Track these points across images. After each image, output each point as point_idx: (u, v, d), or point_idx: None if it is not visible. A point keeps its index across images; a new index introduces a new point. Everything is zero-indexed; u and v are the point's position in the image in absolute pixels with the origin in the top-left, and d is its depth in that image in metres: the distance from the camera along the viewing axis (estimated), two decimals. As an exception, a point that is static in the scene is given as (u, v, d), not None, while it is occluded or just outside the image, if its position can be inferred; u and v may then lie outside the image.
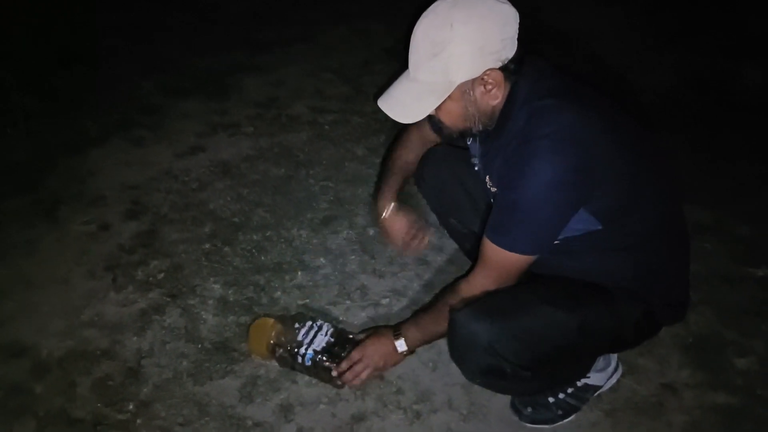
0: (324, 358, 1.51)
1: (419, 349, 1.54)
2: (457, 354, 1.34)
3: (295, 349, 1.52)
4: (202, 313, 1.75)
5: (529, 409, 1.49)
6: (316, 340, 1.55)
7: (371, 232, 2.07)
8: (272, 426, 1.47)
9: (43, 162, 2.32)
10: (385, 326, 1.58)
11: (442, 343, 1.54)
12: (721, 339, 1.70)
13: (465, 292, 1.34)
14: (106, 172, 2.30)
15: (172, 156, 2.39)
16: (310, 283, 1.87)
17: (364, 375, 1.48)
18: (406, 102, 1.24)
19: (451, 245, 1.93)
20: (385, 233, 1.66)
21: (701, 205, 2.12)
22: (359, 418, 1.50)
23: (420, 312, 1.53)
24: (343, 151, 2.46)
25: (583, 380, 1.49)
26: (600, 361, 1.49)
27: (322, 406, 1.52)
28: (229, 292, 1.82)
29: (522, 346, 1.25)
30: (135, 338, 1.67)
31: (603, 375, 1.51)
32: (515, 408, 1.51)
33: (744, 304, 1.80)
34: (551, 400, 1.48)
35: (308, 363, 1.52)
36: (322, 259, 1.96)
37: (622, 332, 1.36)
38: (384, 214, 1.62)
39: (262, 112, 2.68)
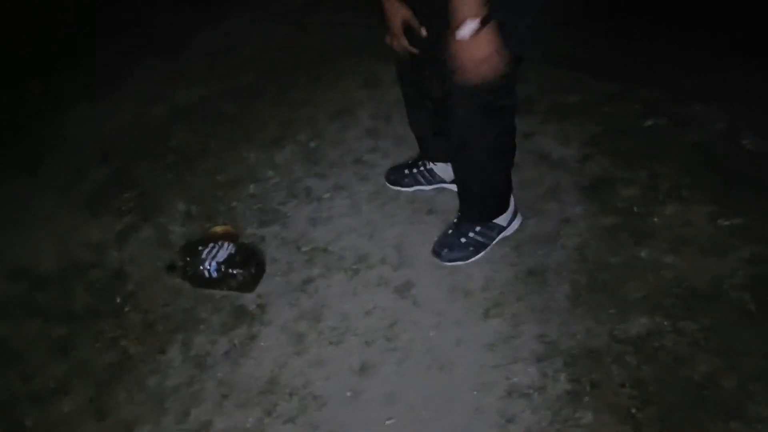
0: (227, 267, 1.76)
1: (358, 223, 1.86)
2: None
3: (200, 266, 1.77)
4: (171, 226, 2.05)
5: (446, 251, 1.79)
6: (219, 254, 1.79)
7: (312, 144, 2.34)
8: (237, 296, 1.78)
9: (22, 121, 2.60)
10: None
11: (380, 217, 1.85)
12: (612, 177, 1.98)
13: None
14: (78, 126, 2.57)
15: (136, 108, 2.65)
16: (261, 191, 2.15)
17: None
18: None
19: (386, 145, 2.21)
20: (387, 14, 1.58)
21: (611, 77, 2.37)
22: (308, 281, 1.81)
23: None
24: (287, 81, 2.71)
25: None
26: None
27: (276, 279, 1.83)
28: (192, 207, 2.11)
29: None
30: (116, 252, 1.97)
31: (504, 216, 1.79)
32: (435, 252, 1.80)
33: (634, 149, 2.07)
34: (463, 240, 1.78)
35: (215, 275, 1.77)
36: (270, 172, 2.24)
37: None
38: None
39: (213, 61, 2.93)
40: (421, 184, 2.01)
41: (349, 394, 1.52)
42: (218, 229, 1.95)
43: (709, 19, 2.55)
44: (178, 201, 2.14)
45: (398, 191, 2.04)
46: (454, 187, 1.91)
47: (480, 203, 1.76)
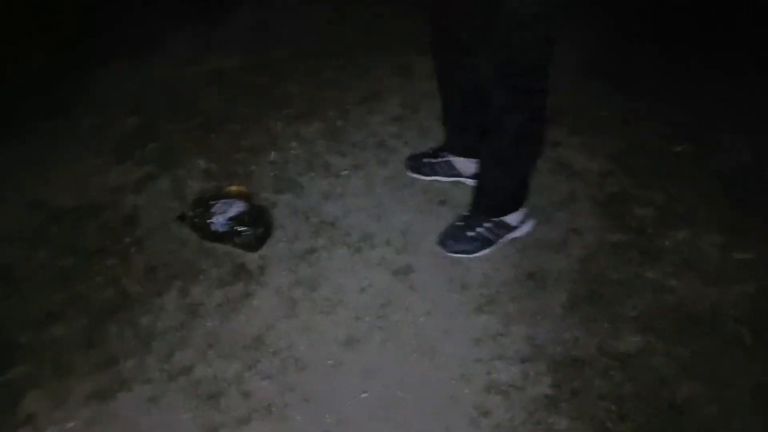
0: (235, 224, 1.79)
1: (370, 204, 1.91)
2: None
3: (209, 219, 1.81)
4: (189, 180, 2.09)
5: (451, 241, 1.80)
6: (229, 210, 1.83)
7: (339, 123, 2.37)
8: (240, 254, 1.81)
9: (62, 72, 2.68)
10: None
11: (392, 201, 1.87)
12: (629, 195, 1.96)
13: None
14: (114, 81, 2.64)
15: (171, 69, 2.72)
16: (281, 160, 2.19)
17: None
18: None
19: (410, 134, 2.23)
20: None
21: (643, 96, 2.34)
22: (311, 251, 1.83)
23: None
24: (321, 62, 2.75)
25: (500, 218, 1.78)
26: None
27: (281, 244, 1.85)
28: (212, 165, 2.15)
29: None
30: (132, 196, 2.02)
31: (515, 216, 1.79)
32: (441, 242, 1.81)
33: (655, 170, 2.05)
34: (470, 234, 1.78)
35: (221, 229, 1.80)
36: (293, 143, 2.27)
37: None
38: None
39: (252, 34, 2.98)
40: (438, 174, 2.02)
41: (330, 362, 1.54)
42: (233, 188, 1.99)
43: (753, 49, 2.51)
44: (199, 158, 2.18)
45: (415, 179, 2.05)
46: (471, 182, 1.92)
47: (494, 193, 1.76)
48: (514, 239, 1.83)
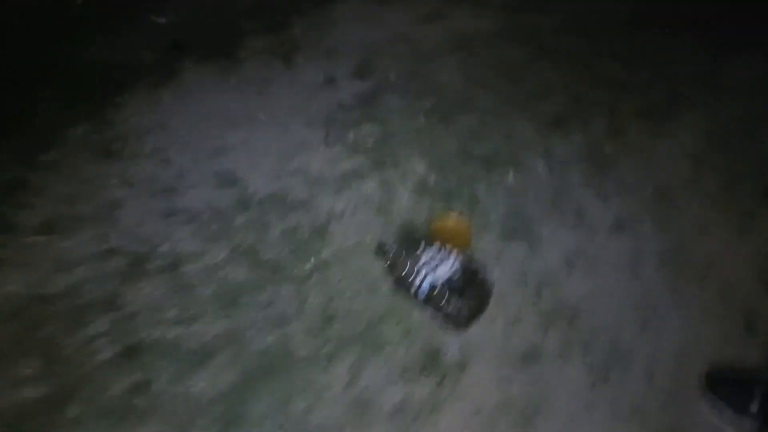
0: (442, 294, 1.33)
1: None
2: None
3: (412, 275, 1.35)
4: (400, 189, 1.65)
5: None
6: (439, 270, 1.35)
7: (607, 144, 1.74)
8: (435, 330, 1.36)
9: (291, 7, 2.34)
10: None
11: None
12: None
13: None
14: (346, 25, 2.24)
15: (412, 20, 2.24)
16: (520, 187, 1.65)
17: None
18: None
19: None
20: None
21: None
22: (535, 354, 1.32)
23: None
24: (602, 44, 2.07)
25: None
26: None
27: (495, 328, 1.36)
28: (432, 174, 1.68)
29: None
30: (331, 198, 1.64)
31: None
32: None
33: None
34: None
35: (422, 296, 1.34)
36: (540, 162, 1.71)
37: None
38: None
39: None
40: None
41: None
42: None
43: None
44: (420, 160, 1.73)
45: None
46: None
47: None
48: None
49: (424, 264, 1.37)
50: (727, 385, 1.22)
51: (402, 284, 1.39)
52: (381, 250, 1.46)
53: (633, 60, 2.03)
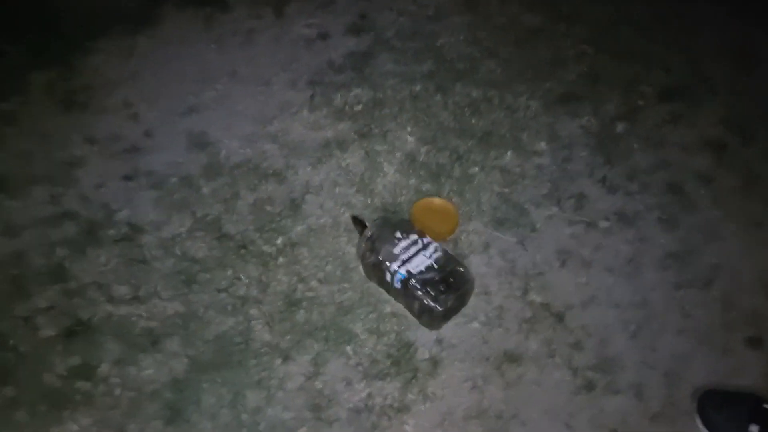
0: (417, 285, 1.20)
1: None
2: None
3: (387, 263, 1.23)
4: (385, 164, 1.51)
5: None
6: (416, 259, 1.23)
7: (619, 128, 1.58)
8: (411, 323, 1.25)
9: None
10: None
11: None
12: None
13: None
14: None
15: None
16: (518, 170, 1.50)
17: None
18: None
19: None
20: None
21: None
22: (517, 355, 1.21)
23: None
24: (621, 11, 1.87)
25: None
26: None
27: (473, 326, 1.25)
28: (422, 149, 1.54)
29: None
30: (309, 168, 1.50)
31: None
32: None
33: None
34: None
35: (397, 285, 1.22)
36: (543, 144, 1.56)
37: None
38: None
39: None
40: None
41: None
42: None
43: None
44: (410, 132, 1.58)
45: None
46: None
47: None
48: None
49: (402, 250, 1.24)
50: (722, 411, 1.11)
51: (375, 271, 1.26)
52: (357, 230, 1.33)
53: (654, 31, 1.85)
